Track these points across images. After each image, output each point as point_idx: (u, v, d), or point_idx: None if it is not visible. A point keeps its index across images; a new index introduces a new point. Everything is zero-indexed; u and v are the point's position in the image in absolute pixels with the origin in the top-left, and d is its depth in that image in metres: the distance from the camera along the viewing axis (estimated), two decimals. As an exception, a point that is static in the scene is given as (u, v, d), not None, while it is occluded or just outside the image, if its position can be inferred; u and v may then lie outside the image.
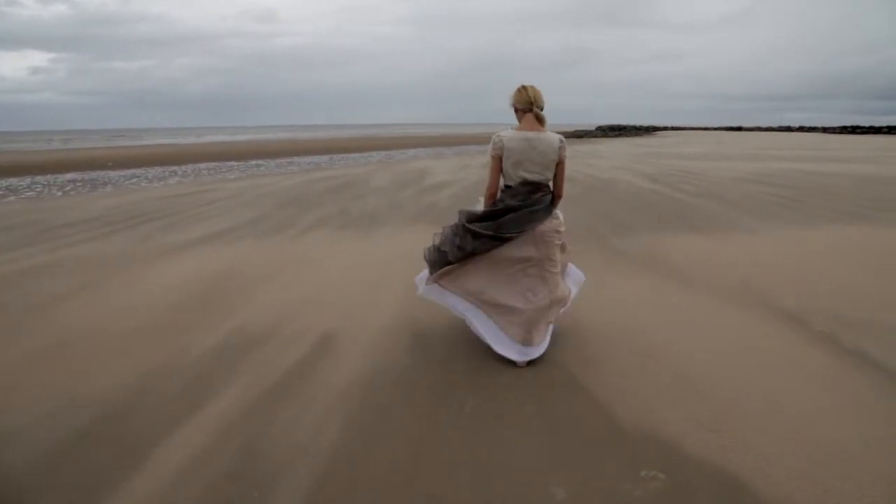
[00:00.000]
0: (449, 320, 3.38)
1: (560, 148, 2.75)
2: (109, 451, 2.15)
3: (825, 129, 56.10)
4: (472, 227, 2.79)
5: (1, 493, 1.96)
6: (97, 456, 2.13)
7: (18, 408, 2.52)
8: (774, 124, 73.13)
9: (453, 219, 3.00)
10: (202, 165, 19.17)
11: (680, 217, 7.14)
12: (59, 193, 11.71)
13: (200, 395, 2.57)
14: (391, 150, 28.55)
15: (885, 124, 50.75)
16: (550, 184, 2.84)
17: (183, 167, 18.53)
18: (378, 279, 4.46)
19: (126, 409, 2.48)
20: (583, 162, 16.20)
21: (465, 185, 10.83)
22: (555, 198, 2.86)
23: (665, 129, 70.53)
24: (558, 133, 2.81)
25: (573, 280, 3.18)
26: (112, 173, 16.58)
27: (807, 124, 67.68)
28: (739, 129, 70.52)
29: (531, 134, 2.72)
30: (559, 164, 2.80)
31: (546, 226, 2.78)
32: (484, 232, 2.75)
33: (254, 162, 20.66)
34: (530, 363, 2.80)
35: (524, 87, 2.77)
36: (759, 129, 68.16)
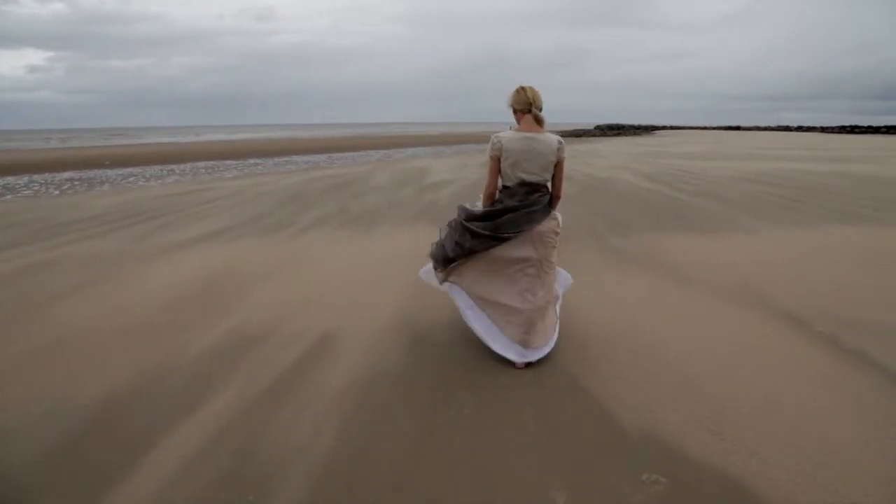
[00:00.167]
0: (448, 320, 3.37)
1: (558, 149, 2.74)
2: (106, 452, 2.14)
3: (824, 129, 56.18)
4: (470, 225, 2.79)
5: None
6: (93, 457, 2.12)
7: (16, 406, 2.51)
8: (773, 124, 73.25)
9: (454, 214, 3.00)
10: (200, 164, 19.13)
11: (679, 216, 7.14)
12: (57, 192, 11.67)
13: (198, 395, 2.56)
14: (390, 148, 28.52)
15: (883, 124, 50.85)
16: (549, 184, 2.84)
17: (181, 166, 18.48)
18: (377, 278, 4.44)
19: (123, 408, 2.47)
20: (581, 161, 16.20)
21: (465, 183, 10.82)
22: (553, 199, 2.86)
23: (664, 128, 70.57)
24: (557, 132, 2.80)
25: (561, 283, 3.19)
26: (110, 172, 16.54)
27: (805, 124, 67.78)
28: (738, 128, 70.60)
29: (530, 135, 2.71)
30: (557, 166, 2.79)
31: (544, 226, 2.77)
32: (482, 232, 2.74)
33: (252, 161, 20.61)
34: (529, 364, 2.79)
35: (523, 88, 2.76)
36: (758, 128, 68.24)
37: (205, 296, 4.06)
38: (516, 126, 2.79)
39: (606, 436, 2.21)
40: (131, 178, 14.47)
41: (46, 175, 15.59)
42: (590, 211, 7.57)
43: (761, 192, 9.36)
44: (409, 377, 2.73)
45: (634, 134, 46.66)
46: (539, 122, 2.75)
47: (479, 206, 2.95)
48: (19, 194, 11.42)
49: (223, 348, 3.10)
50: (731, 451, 2.08)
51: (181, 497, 1.88)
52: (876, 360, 2.82)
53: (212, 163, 19.74)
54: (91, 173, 16.06)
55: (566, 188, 2.97)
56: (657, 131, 57.11)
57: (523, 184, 2.75)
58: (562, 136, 2.78)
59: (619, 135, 43.72)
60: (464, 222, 2.83)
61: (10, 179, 14.44)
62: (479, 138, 35.37)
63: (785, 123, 71.77)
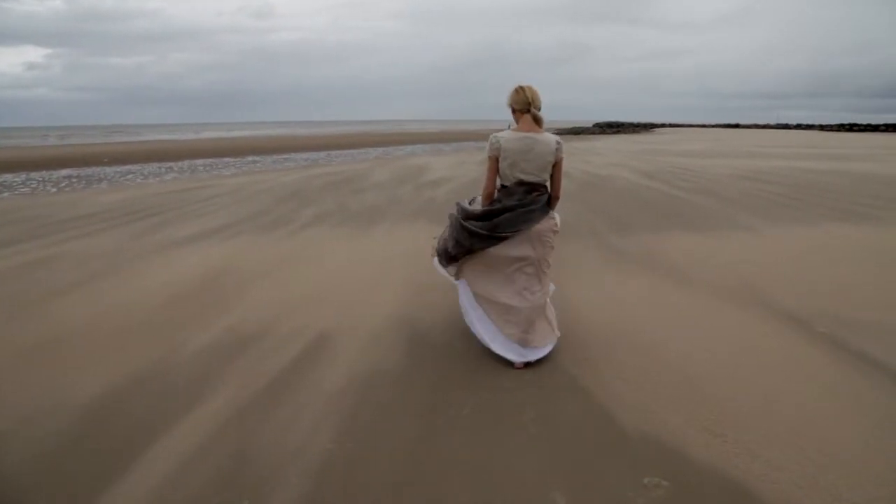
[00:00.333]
0: (448, 319, 3.36)
1: (557, 150, 2.73)
2: (103, 451, 2.13)
3: (823, 127, 56.20)
4: (468, 224, 2.79)
5: (-4, 492, 1.94)
6: (90, 456, 2.10)
7: (14, 404, 2.50)
8: (772, 122, 73.28)
9: (453, 210, 3.00)
10: (198, 161, 19.08)
11: (678, 215, 7.13)
12: (54, 189, 11.63)
13: (196, 394, 2.55)
14: (389, 146, 28.47)
15: (882, 122, 50.88)
16: (547, 184, 2.83)
17: (179, 163, 18.44)
18: (376, 276, 4.43)
19: (121, 407, 2.45)
20: (580, 159, 16.18)
21: (464, 181, 10.80)
22: (552, 199, 2.85)
23: (663, 126, 70.56)
24: (556, 129, 2.79)
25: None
26: (108, 169, 16.49)
27: (804, 122, 67.81)
28: (737, 126, 70.62)
29: (528, 135, 2.70)
30: (556, 166, 2.78)
31: (542, 225, 2.77)
32: (480, 231, 2.74)
33: (250, 158, 20.57)
34: (529, 364, 2.78)
35: (521, 88, 2.74)
36: (757, 126, 68.27)
37: (203, 293, 4.04)
38: (515, 126, 2.78)
39: (607, 437, 2.19)
40: (129, 176, 14.43)
41: (44, 172, 15.54)
42: (589, 209, 7.55)
43: (761, 190, 9.36)
44: (409, 376, 2.71)
45: (633, 132, 46.63)
46: (538, 121, 2.74)
47: (478, 199, 2.95)
48: (16, 192, 11.38)
49: (221, 346, 3.08)
50: (733, 453, 2.06)
51: (178, 497, 1.86)
52: (876, 360, 2.82)
53: (210, 160, 19.69)
54: (89, 171, 16.02)
55: (565, 185, 2.95)
56: (656, 129, 57.10)
57: (521, 183, 2.74)
58: (561, 133, 2.77)
59: (618, 132, 43.68)
60: (462, 221, 2.82)
61: (8, 177, 14.39)
62: (478, 136, 35.33)
63: (784, 121, 71.85)
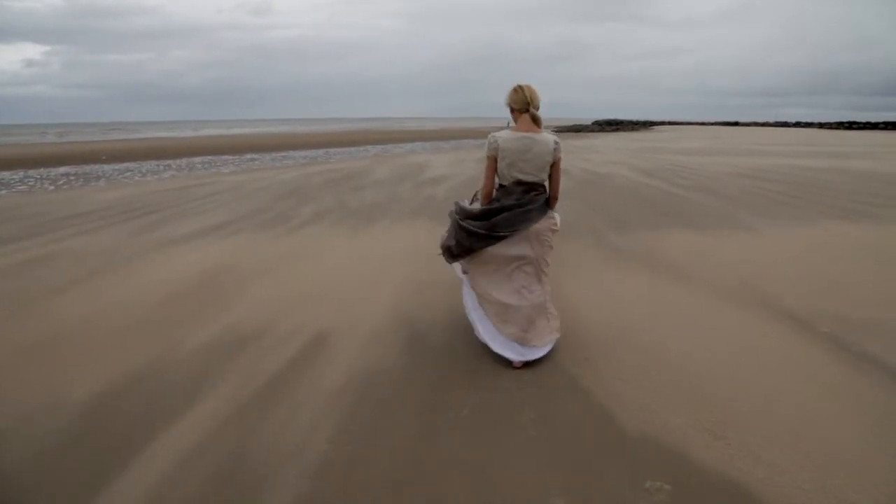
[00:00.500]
0: (447, 318, 3.36)
1: (555, 150, 2.73)
2: (101, 449, 2.12)
3: (822, 125, 56.21)
4: (466, 224, 2.79)
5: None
6: (88, 455, 2.10)
7: (13, 402, 2.49)
8: (771, 120, 73.25)
9: (452, 207, 3.00)
10: (197, 159, 19.04)
11: (677, 213, 7.13)
12: (52, 187, 11.61)
13: (194, 392, 2.54)
14: (387, 144, 28.44)
15: (881, 120, 50.89)
16: (545, 184, 2.83)
17: (177, 161, 18.40)
18: (376, 274, 4.42)
19: (119, 405, 2.45)
20: (579, 156, 16.17)
21: (462, 179, 10.79)
22: (551, 199, 2.85)
23: (662, 123, 70.52)
24: (555, 127, 2.79)
25: None
26: (106, 167, 16.46)
27: (804, 120, 67.82)
28: (736, 124, 70.62)
29: (526, 135, 2.70)
30: (554, 166, 2.78)
31: (541, 225, 2.77)
32: (478, 230, 2.74)
33: (249, 156, 20.54)
34: (528, 364, 2.77)
35: (520, 87, 2.74)
36: (756, 124, 68.26)
37: (202, 291, 4.03)
38: (513, 125, 2.77)
39: (607, 438, 2.17)
40: (128, 174, 14.40)
41: (42, 170, 15.51)
42: (588, 206, 7.55)
43: (760, 188, 9.35)
44: (408, 375, 2.71)
45: (632, 129, 46.55)
46: (536, 121, 2.73)
47: (478, 196, 2.94)
48: (14, 189, 11.36)
49: (220, 344, 3.08)
50: (735, 455, 2.03)
51: (177, 496, 1.86)
52: (876, 358, 2.81)
53: (209, 157, 19.66)
54: (87, 168, 15.99)
55: (563, 182, 2.95)
56: (655, 127, 57.05)
57: (519, 183, 2.75)
58: (560, 131, 2.76)
59: (617, 130, 43.59)
60: (459, 221, 2.83)
61: (6, 174, 14.36)
62: (477, 134, 35.27)
63: (783, 119, 71.85)
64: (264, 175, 12.66)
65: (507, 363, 2.77)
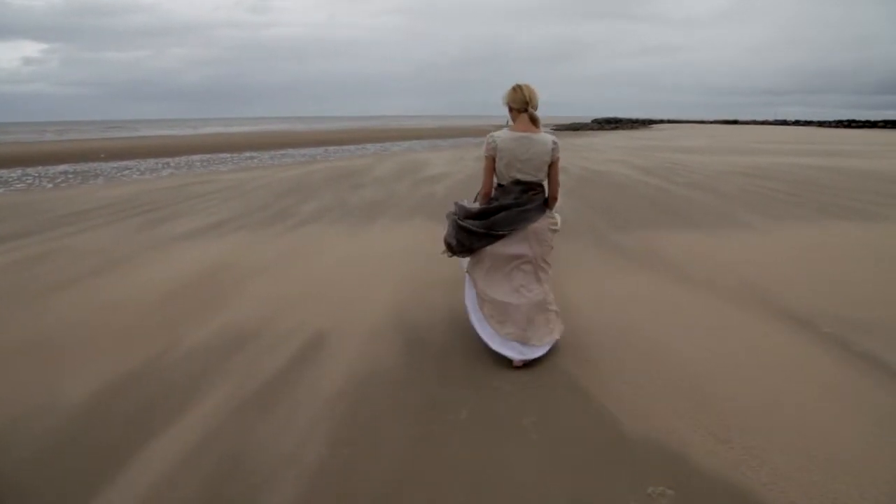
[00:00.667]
0: (447, 318, 3.35)
1: (553, 150, 2.73)
2: (98, 450, 2.11)
3: (821, 124, 56.22)
4: (465, 223, 2.79)
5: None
6: (85, 454, 2.08)
7: (10, 401, 2.48)
8: (770, 118, 73.26)
9: (451, 207, 2.99)
10: (196, 157, 19.01)
11: (676, 211, 7.11)
12: (51, 185, 11.58)
13: (191, 392, 2.53)
14: (387, 142, 28.41)
15: (880, 119, 50.91)
16: (544, 184, 2.82)
17: (176, 159, 18.37)
18: (375, 273, 4.41)
19: (117, 404, 2.44)
20: (578, 155, 16.16)
21: (461, 177, 10.77)
22: (550, 200, 2.85)
23: (661, 122, 70.49)
24: (554, 126, 2.78)
25: None
26: (105, 165, 16.43)
27: (803, 118, 67.80)
28: (735, 122, 70.62)
29: (525, 135, 2.69)
30: (552, 166, 2.77)
31: (540, 224, 2.77)
32: (477, 230, 2.74)
33: (248, 154, 20.51)
34: (528, 364, 2.75)
35: (519, 87, 2.73)
36: (755, 122, 68.26)
37: (200, 290, 4.02)
38: (511, 125, 2.77)
39: (608, 441, 2.14)
40: (126, 172, 14.37)
41: (40, 168, 15.48)
42: (587, 205, 7.54)
43: (759, 186, 9.34)
44: (407, 375, 2.69)
45: (632, 128, 46.53)
46: (534, 121, 2.73)
47: (476, 203, 2.94)
48: (13, 187, 11.33)
49: (219, 343, 3.06)
50: (741, 461, 1.99)
51: (175, 496, 1.85)
52: (876, 357, 2.81)
53: (208, 156, 19.63)
54: (86, 166, 15.96)
55: (562, 180, 2.94)
56: (654, 125, 57.05)
57: (518, 182, 2.75)
58: (559, 129, 2.75)
59: (616, 129, 43.56)
60: (458, 221, 2.82)
61: (4, 172, 14.33)
62: (476, 132, 35.24)
63: (782, 118, 71.86)
64: (263, 173, 12.64)
65: (506, 363, 2.76)
